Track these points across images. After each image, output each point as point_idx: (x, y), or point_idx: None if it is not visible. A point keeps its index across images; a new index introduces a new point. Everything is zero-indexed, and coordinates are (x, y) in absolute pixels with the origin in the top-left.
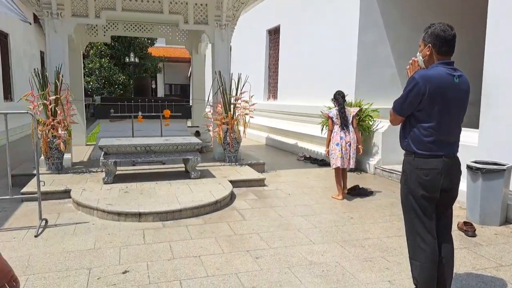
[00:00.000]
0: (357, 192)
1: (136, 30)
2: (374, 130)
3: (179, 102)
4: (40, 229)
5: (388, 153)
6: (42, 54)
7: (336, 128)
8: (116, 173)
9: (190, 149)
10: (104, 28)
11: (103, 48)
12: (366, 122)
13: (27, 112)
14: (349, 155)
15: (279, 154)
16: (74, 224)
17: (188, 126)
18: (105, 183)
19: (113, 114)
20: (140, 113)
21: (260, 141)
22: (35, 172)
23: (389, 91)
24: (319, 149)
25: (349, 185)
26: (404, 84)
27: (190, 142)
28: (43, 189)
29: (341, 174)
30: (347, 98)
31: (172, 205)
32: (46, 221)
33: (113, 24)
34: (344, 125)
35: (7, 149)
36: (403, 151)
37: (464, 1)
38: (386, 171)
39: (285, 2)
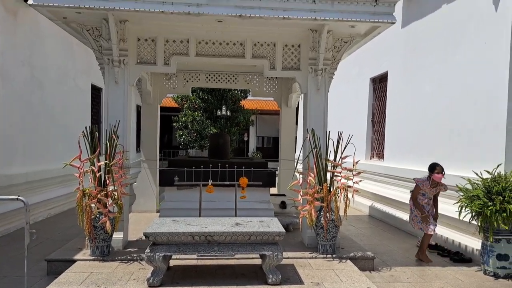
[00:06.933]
0: None
1: (219, 80)
2: None
3: (260, 166)
4: None
5: None
6: (138, 108)
7: None
8: (171, 264)
9: (268, 241)
10: (185, 79)
11: (197, 101)
12: None
13: (17, 199)
14: None
15: (388, 233)
16: None
17: (271, 195)
18: (150, 286)
19: (177, 183)
20: (210, 181)
21: (361, 210)
22: (77, 256)
23: None
24: (453, 236)
25: None
26: None
27: (269, 231)
28: None
29: None
30: (493, 167)
31: None
32: None
33: (194, 74)
34: None
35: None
36: None
37: None
38: None
39: (394, 45)
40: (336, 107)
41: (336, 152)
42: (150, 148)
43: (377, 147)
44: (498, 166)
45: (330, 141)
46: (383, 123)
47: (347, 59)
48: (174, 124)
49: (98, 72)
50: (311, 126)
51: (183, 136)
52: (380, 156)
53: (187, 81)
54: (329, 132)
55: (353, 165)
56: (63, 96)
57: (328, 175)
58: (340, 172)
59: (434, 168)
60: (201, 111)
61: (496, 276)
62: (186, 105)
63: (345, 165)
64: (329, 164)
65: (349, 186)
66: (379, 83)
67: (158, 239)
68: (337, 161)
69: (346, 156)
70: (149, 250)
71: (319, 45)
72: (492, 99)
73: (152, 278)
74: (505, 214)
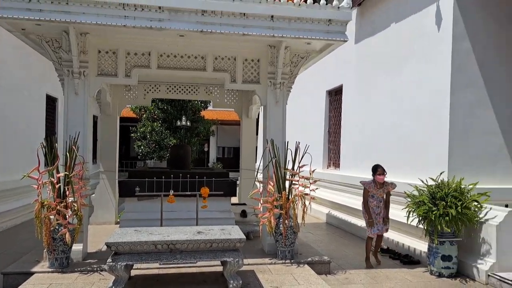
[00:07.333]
0: None
1: (179, 92)
2: (483, 220)
3: (221, 176)
4: None
5: (507, 255)
6: (95, 118)
7: None
8: (132, 274)
9: (229, 248)
10: (145, 90)
11: (156, 111)
12: (472, 209)
13: None
14: None
15: (344, 239)
16: None
17: (232, 204)
18: None
19: (138, 194)
20: (171, 192)
21: (319, 218)
22: (35, 269)
23: (496, 165)
24: (403, 240)
25: None
26: None
27: (230, 238)
28: None
29: None
30: (436, 175)
31: None
32: None
33: (155, 85)
34: None
35: None
36: None
37: None
38: (508, 282)
39: (348, 60)
40: (296, 119)
41: (294, 162)
42: (109, 159)
43: (333, 156)
44: (441, 173)
45: (289, 151)
46: (339, 134)
47: (306, 72)
48: (132, 134)
49: (53, 81)
50: (270, 137)
51: (142, 147)
52: (336, 165)
53: (147, 92)
54: (288, 142)
55: (310, 174)
56: (16, 106)
57: (287, 183)
58: (298, 181)
59: (376, 169)
60: (160, 122)
61: (440, 275)
62: (144, 115)
63: (303, 173)
64: (288, 173)
65: (306, 194)
66: (335, 95)
67: (120, 249)
68: (295, 170)
69: (304, 165)
70: (111, 260)
71: (277, 60)
72: (436, 112)
73: (114, 287)
74: (447, 218)
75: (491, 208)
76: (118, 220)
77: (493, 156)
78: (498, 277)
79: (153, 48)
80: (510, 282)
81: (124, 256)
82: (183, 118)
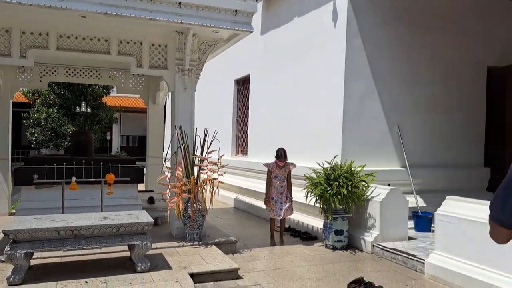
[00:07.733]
0: None
1: (80, 75)
2: (369, 198)
3: (128, 163)
4: None
5: (388, 227)
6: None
7: None
8: (32, 263)
9: (136, 231)
10: (41, 72)
11: (52, 96)
12: (360, 188)
13: None
14: None
15: (251, 221)
16: None
17: (139, 191)
18: (11, 284)
19: (37, 181)
20: (74, 179)
21: (227, 203)
22: None
23: (381, 150)
24: (302, 219)
25: (346, 273)
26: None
27: (138, 222)
28: None
29: None
30: (331, 158)
31: None
32: None
33: (52, 68)
34: None
35: None
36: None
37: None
38: (388, 250)
39: (255, 50)
40: (205, 106)
41: (202, 148)
42: (1, 147)
43: (241, 144)
44: (335, 157)
45: (198, 138)
46: (247, 122)
47: (215, 61)
48: (24, 121)
49: None
50: (179, 123)
51: (36, 135)
52: (244, 152)
53: (44, 75)
54: (197, 129)
55: (218, 159)
56: None
57: (196, 169)
58: (206, 166)
59: (278, 153)
60: (56, 108)
61: (334, 248)
62: (38, 100)
63: (211, 159)
64: (196, 158)
65: (215, 179)
66: (243, 84)
67: (20, 236)
68: (203, 156)
69: (212, 151)
70: (9, 248)
71: (185, 47)
72: (332, 101)
73: (13, 276)
74: (340, 196)
75: (376, 187)
76: (13, 211)
77: (378, 142)
78: (381, 247)
79: (52, 28)
80: (390, 250)
81: (24, 244)
82: (83, 104)
